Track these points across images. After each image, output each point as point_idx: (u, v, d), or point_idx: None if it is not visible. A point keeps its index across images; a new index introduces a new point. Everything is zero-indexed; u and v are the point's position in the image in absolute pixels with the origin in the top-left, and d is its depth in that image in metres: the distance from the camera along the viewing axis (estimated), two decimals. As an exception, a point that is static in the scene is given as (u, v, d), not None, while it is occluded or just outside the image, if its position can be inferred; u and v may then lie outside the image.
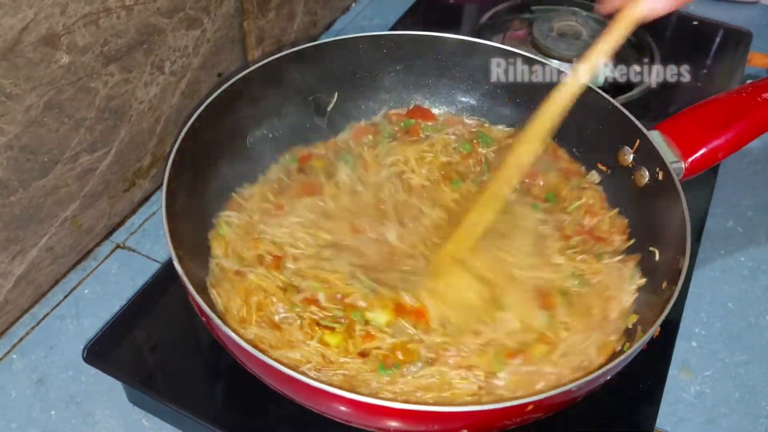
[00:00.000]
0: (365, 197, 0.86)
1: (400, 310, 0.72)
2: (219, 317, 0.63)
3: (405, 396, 0.67)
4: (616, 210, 0.86)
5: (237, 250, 0.78)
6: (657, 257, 0.77)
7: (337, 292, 0.74)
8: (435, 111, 0.99)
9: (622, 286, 0.78)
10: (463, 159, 0.92)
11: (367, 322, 0.72)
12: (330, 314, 0.72)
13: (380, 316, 0.72)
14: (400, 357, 0.69)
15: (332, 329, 0.71)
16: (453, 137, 0.94)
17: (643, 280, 0.77)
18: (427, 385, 0.68)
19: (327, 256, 0.78)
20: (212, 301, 0.73)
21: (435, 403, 0.67)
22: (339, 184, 0.87)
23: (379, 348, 0.70)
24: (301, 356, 0.69)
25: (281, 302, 0.73)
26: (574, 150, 0.93)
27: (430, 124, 0.97)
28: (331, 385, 0.58)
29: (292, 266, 0.77)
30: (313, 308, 0.73)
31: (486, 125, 0.98)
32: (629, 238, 0.83)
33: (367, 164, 0.89)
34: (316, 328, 0.71)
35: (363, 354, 0.70)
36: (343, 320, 0.72)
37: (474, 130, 0.97)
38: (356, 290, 0.74)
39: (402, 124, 0.97)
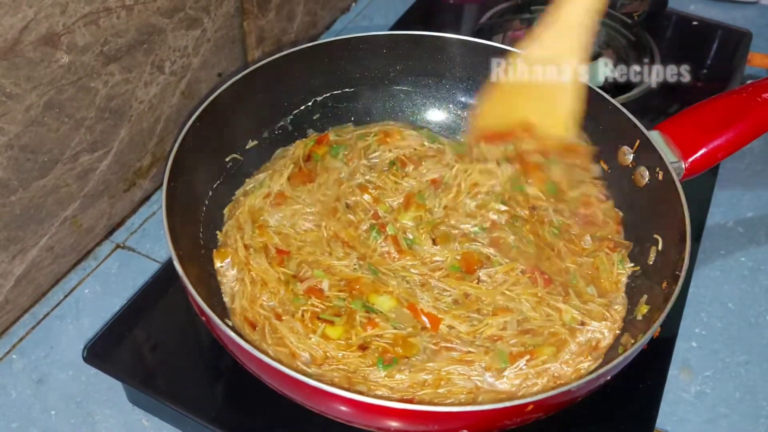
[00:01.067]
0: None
1: (412, 309, 0.73)
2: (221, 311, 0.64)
3: (401, 393, 0.68)
4: (611, 202, 0.87)
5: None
6: (657, 257, 0.77)
7: (342, 278, 0.75)
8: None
9: (612, 269, 0.80)
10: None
11: (368, 310, 0.73)
12: (331, 305, 0.73)
13: (386, 302, 0.73)
14: (400, 351, 0.70)
15: (332, 323, 0.72)
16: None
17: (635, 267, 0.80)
18: (424, 381, 0.69)
19: (330, 246, 0.80)
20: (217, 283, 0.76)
21: (431, 400, 0.67)
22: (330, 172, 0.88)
23: (380, 338, 0.71)
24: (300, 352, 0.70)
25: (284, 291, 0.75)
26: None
27: None
28: (331, 384, 0.58)
29: (297, 257, 0.78)
30: (315, 300, 0.74)
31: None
32: (627, 236, 0.83)
33: (353, 159, 0.90)
34: (317, 321, 0.72)
35: (363, 347, 0.71)
36: (343, 312, 0.73)
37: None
38: (361, 276, 0.76)
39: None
